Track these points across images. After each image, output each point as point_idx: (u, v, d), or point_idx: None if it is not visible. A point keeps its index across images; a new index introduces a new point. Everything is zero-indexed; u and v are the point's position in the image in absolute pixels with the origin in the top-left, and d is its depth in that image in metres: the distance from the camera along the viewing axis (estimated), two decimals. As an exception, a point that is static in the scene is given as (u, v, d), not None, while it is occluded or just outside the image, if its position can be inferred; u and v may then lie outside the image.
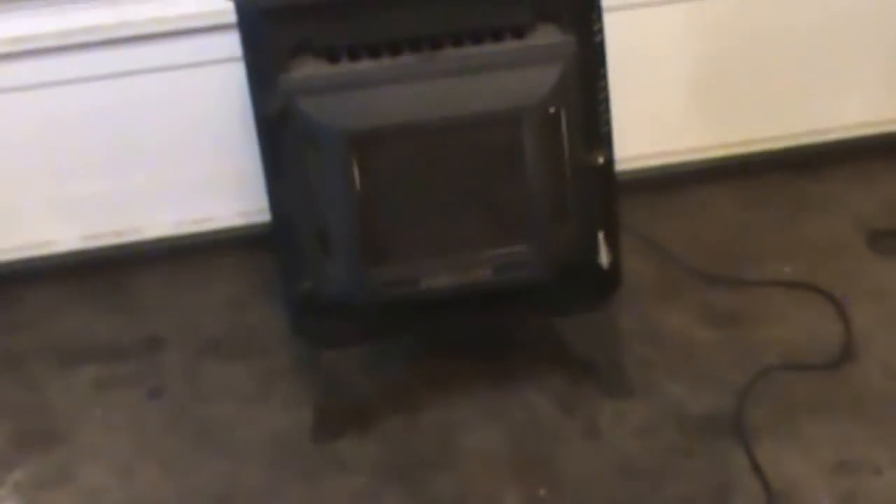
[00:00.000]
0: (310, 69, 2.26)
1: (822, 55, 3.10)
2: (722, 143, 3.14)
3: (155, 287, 3.01)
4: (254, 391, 2.67)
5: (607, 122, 2.40)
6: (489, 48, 2.28)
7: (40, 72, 2.84)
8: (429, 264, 2.37)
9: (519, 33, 2.29)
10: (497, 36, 2.28)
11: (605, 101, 2.40)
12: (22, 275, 3.05)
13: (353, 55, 2.27)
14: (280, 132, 2.29)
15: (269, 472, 2.47)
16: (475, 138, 2.30)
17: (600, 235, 2.41)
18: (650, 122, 3.09)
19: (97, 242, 3.05)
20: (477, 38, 2.28)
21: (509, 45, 2.28)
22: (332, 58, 2.27)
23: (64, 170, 2.98)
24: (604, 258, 2.41)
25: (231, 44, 2.36)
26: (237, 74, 2.34)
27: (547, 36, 2.29)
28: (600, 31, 2.35)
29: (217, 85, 2.87)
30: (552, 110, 2.28)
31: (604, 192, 2.41)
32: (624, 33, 2.93)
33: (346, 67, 2.26)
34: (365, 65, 2.26)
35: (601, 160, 2.37)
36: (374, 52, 2.27)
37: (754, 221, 3.00)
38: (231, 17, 2.27)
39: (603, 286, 2.47)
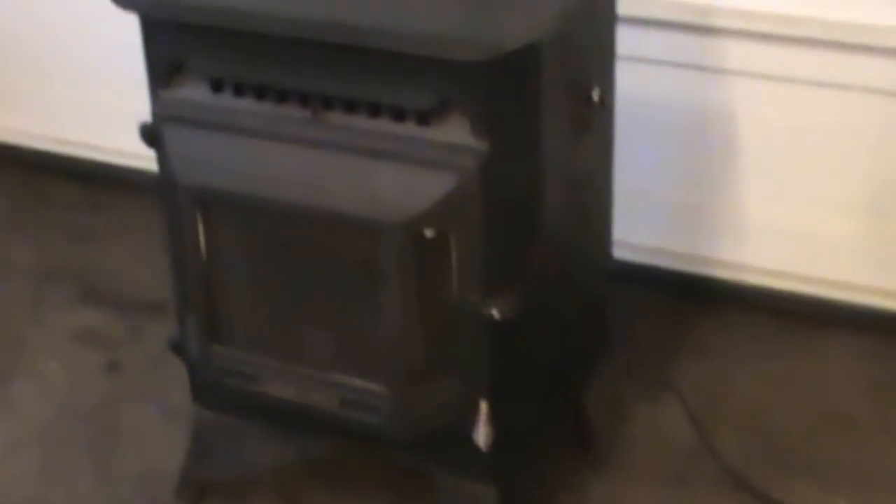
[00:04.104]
0: (189, 93, 1.88)
1: None
2: (888, 289, 2.36)
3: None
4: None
5: (528, 267, 1.84)
6: (382, 127, 1.78)
7: None
8: (272, 367, 1.95)
9: (425, 119, 1.76)
10: (399, 115, 1.77)
11: (533, 236, 1.82)
12: (115, 182, 2.92)
13: (239, 89, 1.86)
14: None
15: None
16: (333, 241, 1.85)
17: (483, 407, 1.86)
18: (801, 234, 2.39)
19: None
20: (375, 110, 1.78)
21: (406, 130, 1.77)
22: (217, 86, 1.87)
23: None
24: (481, 438, 1.85)
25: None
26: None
27: (450, 133, 1.75)
28: (539, 146, 1.77)
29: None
30: (429, 233, 1.76)
31: (499, 355, 1.84)
32: (797, 109, 2.30)
33: (226, 102, 1.86)
34: (245, 104, 1.85)
35: (496, 313, 1.80)
36: (260, 93, 1.84)
37: (867, 413, 2.24)
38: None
39: (483, 472, 1.91)
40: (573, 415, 2.17)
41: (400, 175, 1.76)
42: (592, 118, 1.92)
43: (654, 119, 2.38)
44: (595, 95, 1.90)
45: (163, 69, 1.89)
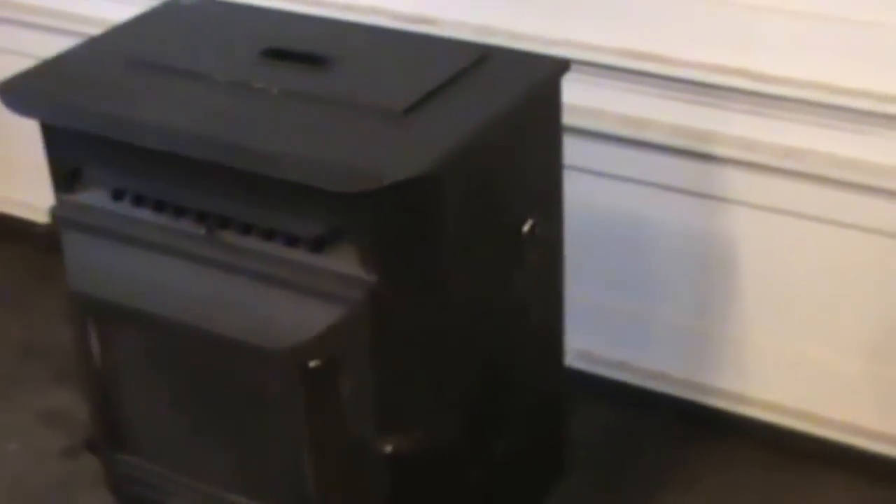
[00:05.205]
0: (89, 198, 1.79)
1: None
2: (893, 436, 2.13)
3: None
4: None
5: (433, 401, 1.69)
6: (276, 251, 1.66)
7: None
8: (174, 481, 1.86)
9: (318, 246, 1.62)
10: (293, 240, 1.64)
11: (438, 370, 1.68)
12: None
13: (138, 199, 1.75)
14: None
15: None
16: (227, 362, 1.74)
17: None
18: (803, 369, 2.16)
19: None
20: (269, 234, 1.66)
21: (299, 256, 1.64)
22: (117, 194, 1.76)
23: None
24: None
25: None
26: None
27: (341, 263, 1.61)
28: (441, 279, 1.63)
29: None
30: (313, 364, 1.62)
31: (400, 488, 1.71)
32: (801, 243, 2.11)
33: (125, 210, 1.76)
34: (143, 215, 1.74)
35: (390, 449, 1.66)
36: (158, 205, 1.73)
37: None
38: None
39: None
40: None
41: (289, 302, 1.64)
42: (523, 250, 1.76)
43: (663, 245, 2.21)
44: (526, 227, 1.74)
45: (63, 174, 1.80)
